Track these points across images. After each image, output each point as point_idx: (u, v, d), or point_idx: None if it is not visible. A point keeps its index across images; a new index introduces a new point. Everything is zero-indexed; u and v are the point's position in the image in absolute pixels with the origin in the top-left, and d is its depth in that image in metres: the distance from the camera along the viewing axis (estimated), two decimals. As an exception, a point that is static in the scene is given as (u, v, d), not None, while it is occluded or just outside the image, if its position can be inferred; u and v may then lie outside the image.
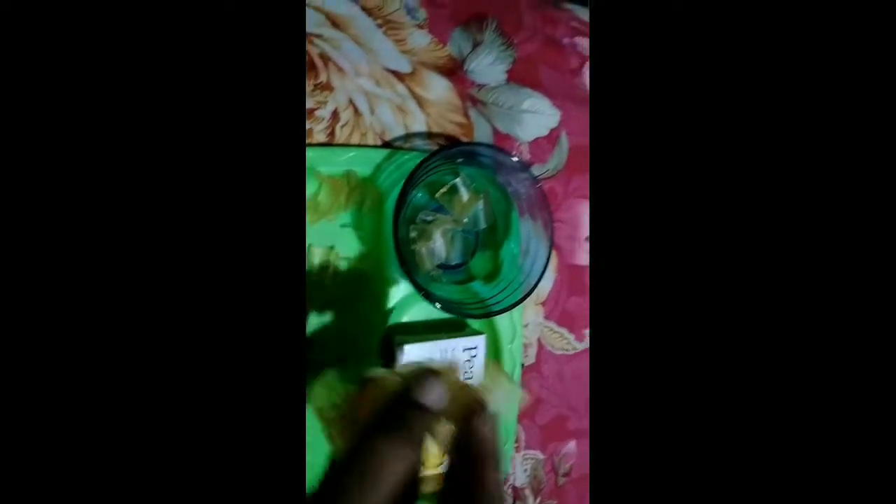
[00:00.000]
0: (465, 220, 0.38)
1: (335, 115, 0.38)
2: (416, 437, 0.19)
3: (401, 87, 0.40)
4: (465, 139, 0.42)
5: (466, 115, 0.42)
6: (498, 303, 0.36)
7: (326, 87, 0.38)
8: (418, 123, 0.40)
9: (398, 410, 0.20)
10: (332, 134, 0.38)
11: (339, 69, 0.38)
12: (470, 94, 0.42)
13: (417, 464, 0.19)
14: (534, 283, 0.36)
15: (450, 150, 0.35)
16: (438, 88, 0.41)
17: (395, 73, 0.40)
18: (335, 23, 0.38)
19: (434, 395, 0.20)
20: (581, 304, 0.46)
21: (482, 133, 0.42)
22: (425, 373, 0.21)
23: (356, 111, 0.39)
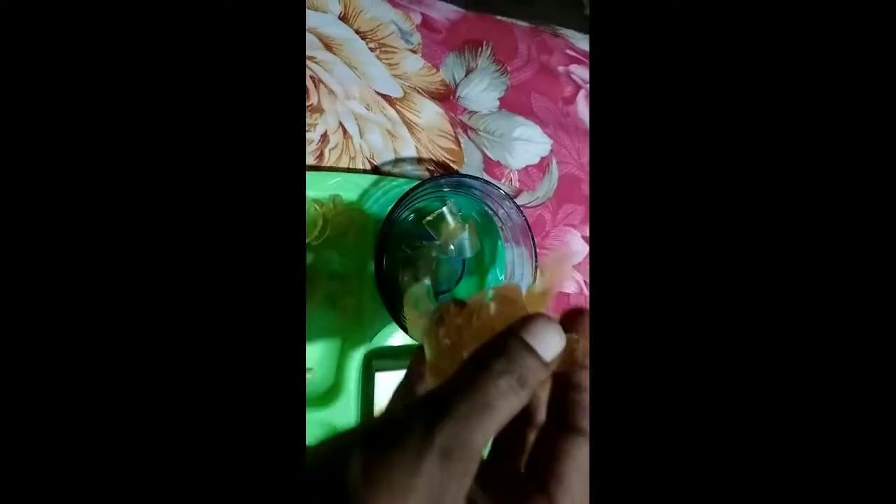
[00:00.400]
0: (451, 247, 0.38)
1: (324, 137, 0.38)
2: (531, 385, 0.18)
3: (391, 112, 0.40)
4: (455, 166, 0.42)
5: (457, 142, 0.42)
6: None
7: (317, 109, 0.38)
8: (408, 148, 0.40)
9: (515, 351, 0.19)
10: (321, 156, 0.38)
11: (331, 92, 0.38)
12: (461, 121, 0.42)
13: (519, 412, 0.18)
14: (516, 313, 0.36)
15: (438, 181, 0.35)
16: (429, 114, 0.41)
17: (387, 98, 0.40)
18: (327, 45, 0.38)
19: (552, 347, 0.19)
20: (566, 333, 0.46)
21: (472, 160, 0.42)
22: (543, 319, 0.20)
23: (346, 134, 0.39)
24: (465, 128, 0.42)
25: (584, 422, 0.19)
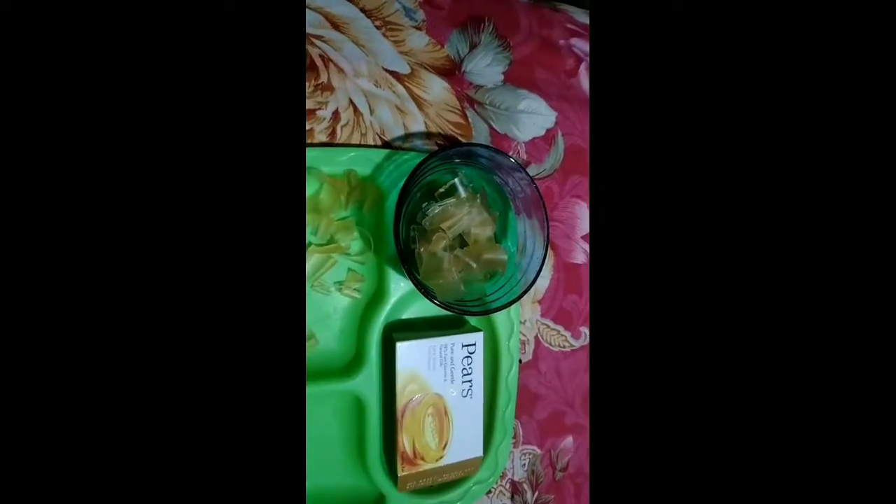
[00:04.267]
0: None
1: (336, 115, 0.39)
2: None
3: (400, 88, 0.40)
4: (463, 139, 0.42)
5: (464, 116, 0.42)
6: (496, 300, 0.37)
7: (327, 87, 0.39)
8: (417, 123, 0.41)
9: None
10: (333, 134, 0.39)
11: (340, 70, 0.39)
12: (467, 95, 0.42)
13: None
14: (531, 280, 0.37)
15: (448, 151, 0.35)
16: (436, 89, 0.41)
17: (394, 74, 0.40)
18: (335, 24, 0.39)
19: None
20: (577, 302, 0.47)
21: (480, 133, 0.43)
22: None
23: (356, 111, 0.39)
24: (472, 102, 0.43)
25: None
